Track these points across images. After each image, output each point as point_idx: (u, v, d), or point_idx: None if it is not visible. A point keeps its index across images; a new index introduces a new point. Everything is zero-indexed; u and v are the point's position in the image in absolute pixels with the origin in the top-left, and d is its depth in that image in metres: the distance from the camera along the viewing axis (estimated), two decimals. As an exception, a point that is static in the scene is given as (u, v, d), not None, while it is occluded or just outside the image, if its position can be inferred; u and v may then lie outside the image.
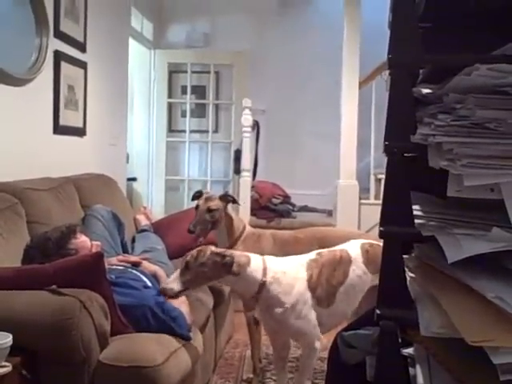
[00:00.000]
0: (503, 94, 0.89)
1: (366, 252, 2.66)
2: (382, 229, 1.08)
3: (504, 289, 0.91)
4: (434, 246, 1.00)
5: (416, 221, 1.05)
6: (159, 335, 2.35)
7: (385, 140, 1.09)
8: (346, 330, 2.13)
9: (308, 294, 2.45)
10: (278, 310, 2.40)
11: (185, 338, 2.45)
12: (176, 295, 2.36)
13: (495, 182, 0.91)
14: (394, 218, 1.08)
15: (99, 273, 2.33)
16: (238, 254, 2.45)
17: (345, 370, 1.89)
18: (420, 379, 1.02)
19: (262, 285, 2.39)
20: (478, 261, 0.95)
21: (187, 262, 2.32)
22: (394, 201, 1.09)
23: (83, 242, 2.67)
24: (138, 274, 2.80)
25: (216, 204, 3.19)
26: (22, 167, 3.22)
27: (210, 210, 3.18)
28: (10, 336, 1.88)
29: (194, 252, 2.36)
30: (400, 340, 1.17)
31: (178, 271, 2.34)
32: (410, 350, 1.14)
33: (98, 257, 2.35)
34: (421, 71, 1.19)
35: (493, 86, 0.88)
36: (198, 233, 3.18)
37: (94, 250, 2.66)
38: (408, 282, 1.12)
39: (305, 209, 6.24)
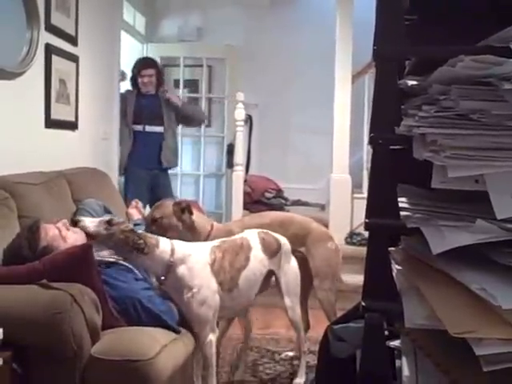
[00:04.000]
0: (487, 85, 0.89)
1: (263, 239, 2.81)
2: (367, 221, 1.08)
3: (488, 280, 0.91)
4: (420, 238, 1.00)
5: (402, 213, 1.05)
6: (151, 328, 2.35)
7: (370, 132, 1.09)
8: (336, 323, 2.15)
9: (212, 279, 2.51)
10: (187, 292, 2.43)
11: (175, 331, 2.45)
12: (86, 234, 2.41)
13: (479, 173, 0.91)
14: (379, 210, 1.08)
15: (89, 264, 2.33)
16: (148, 235, 2.50)
17: (335, 364, 1.89)
18: (406, 371, 1.02)
19: (170, 266, 2.42)
20: (463, 252, 0.95)
21: (111, 219, 2.38)
22: (379, 193, 1.09)
23: (51, 234, 2.60)
24: (129, 265, 2.80)
25: (161, 212, 3.06)
26: (14, 161, 3.20)
27: (154, 220, 3.05)
28: (1, 330, 1.88)
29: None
30: (387, 332, 1.18)
31: (104, 219, 2.40)
32: (396, 343, 1.14)
33: (87, 248, 2.34)
34: (407, 63, 1.19)
35: (476, 77, 0.88)
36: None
37: (63, 234, 2.61)
38: (394, 275, 1.13)
39: (297, 203, 6.25)
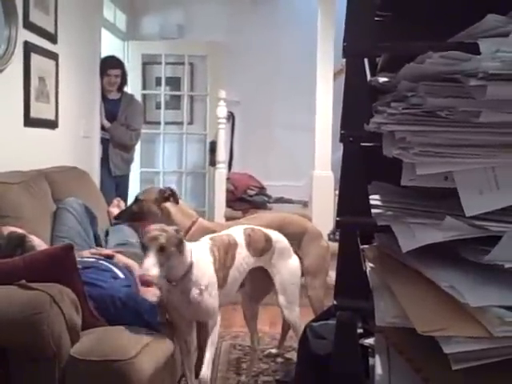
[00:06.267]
0: (454, 82, 0.89)
1: (248, 236, 2.80)
2: (338, 219, 1.08)
3: (458, 278, 0.91)
4: (392, 235, 1.00)
5: (373, 210, 1.05)
6: (131, 328, 2.34)
7: (341, 129, 1.09)
8: (315, 320, 2.15)
9: (215, 276, 2.54)
10: (195, 291, 2.43)
11: (156, 330, 2.44)
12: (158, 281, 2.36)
13: (447, 170, 0.91)
14: (350, 207, 1.08)
15: (69, 265, 2.31)
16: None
17: (314, 361, 1.90)
18: (379, 369, 1.02)
19: (190, 267, 2.42)
20: (434, 249, 0.95)
21: (162, 244, 2.25)
22: (350, 191, 1.09)
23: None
24: (109, 265, 2.79)
25: (146, 195, 3.19)
26: (-8, 161, 3.17)
27: (136, 200, 3.21)
28: (-21, 331, 1.87)
29: (160, 231, 2.30)
30: (362, 330, 1.18)
31: (153, 255, 2.24)
32: (370, 340, 1.14)
33: (68, 249, 2.33)
34: (379, 60, 1.20)
35: (444, 73, 0.88)
36: (124, 221, 3.35)
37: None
38: (367, 272, 1.13)
39: (280, 200, 6.25)
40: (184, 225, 3.09)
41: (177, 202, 3.17)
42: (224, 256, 2.62)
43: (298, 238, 3.27)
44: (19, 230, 2.63)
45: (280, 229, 3.07)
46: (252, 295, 3.05)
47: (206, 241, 2.66)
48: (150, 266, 2.21)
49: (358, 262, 1.12)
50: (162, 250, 2.24)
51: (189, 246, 2.44)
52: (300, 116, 6.18)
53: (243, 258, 2.73)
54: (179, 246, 2.33)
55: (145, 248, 2.26)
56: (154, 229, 2.30)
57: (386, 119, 0.94)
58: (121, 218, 3.32)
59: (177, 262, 2.35)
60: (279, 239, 2.92)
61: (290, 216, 3.53)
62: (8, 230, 2.62)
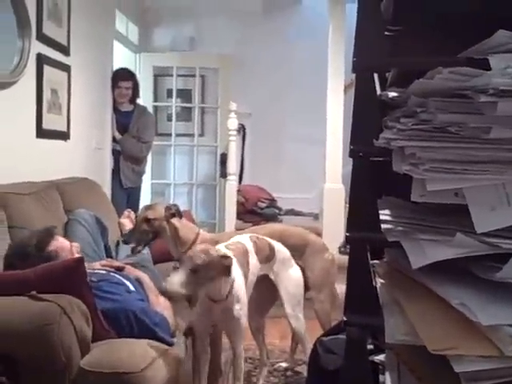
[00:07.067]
0: (464, 98, 0.88)
1: (255, 243, 2.83)
2: (347, 234, 1.08)
3: (469, 295, 0.90)
4: (402, 250, 0.99)
5: (383, 226, 1.04)
6: (142, 340, 2.33)
7: (350, 144, 1.09)
8: (325, 335, 2.14)
9: (244, 288, 2.55)
10: (237, 307, 2.44)
11: (168, 344, 2.43)
12: (178, 299, 2.33)
13: (458, 186, 0.91)
14: (360, 223, 1.08)
15: (80, 277, 2.31)
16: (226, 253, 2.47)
17: (325, 376, 1.89)
18: (388, 386, 1.01)
19: (232, 284, 2.43)
20: (445, 265, 0.95)
21: (197, 265, 2.24)
22: (360, 206, 1.08)
23: (62, 243, 2.67)
24: (121, 278, 2.79)
25: (154, 213, 3.14)
26: (4, 171, 3.19)
27: (147, 220, 3.12)
28: (-11, 343, 1.87)
29: (200, 253, 2.29)
30: (372, 346, 1.17)
31: (183, 273, 2.23)
32: (381, 357, 1.13)
33: (79, 261, 2.34)
34: (389, 74, 1.19)
35: (454, 89, 0.88)
36: (135, 243, 3.15)
37: (73, 250, 2.66)
38: (378, 288, 1.12)
39: (291, 212, 6.25)
40: (189, 238, 3.12)
41: (180, 217, 3.19)
42: (241, 265, 2.62)
43: (299, 250, 3.26)
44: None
45: (280, 241, 3.08)
46: (256, 308, 3.05)
47: (229, 254, 2.64)
48: (175, 282, 2.21)
49: (367, 278, 1.11)
50: (195, 271, 2.23)
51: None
52: (311, 128, 6.19)
53: (254, 265, 2.75)
54: (224, 271, 2.32)
55: (180, 263, 2.26)
56: (200, 249, 2.32)
57: (395, 135, 0.94)
58: (131, 239, 3.20)
59: (223, 284, 2.36)
60: (280, 249, 2.94)
61: (291, 228, 3.54)
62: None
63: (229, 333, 2.61)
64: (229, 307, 2.44)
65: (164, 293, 2.37)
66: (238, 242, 2.79)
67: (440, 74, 0.87)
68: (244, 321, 2.51)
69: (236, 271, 2.49)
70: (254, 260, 2.75)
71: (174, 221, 3.15)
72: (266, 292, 2.94)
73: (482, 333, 0.87)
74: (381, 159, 1.13)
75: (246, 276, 2.63)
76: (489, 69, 0.85)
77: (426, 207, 1.06)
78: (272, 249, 2.88)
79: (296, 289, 2.93)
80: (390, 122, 1.00)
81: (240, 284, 2.50)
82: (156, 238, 3.17)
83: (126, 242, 3.26)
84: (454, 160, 0.89)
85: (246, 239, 2.84)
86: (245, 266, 2.65)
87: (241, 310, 2.46)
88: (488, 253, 0.90)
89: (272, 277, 2.88)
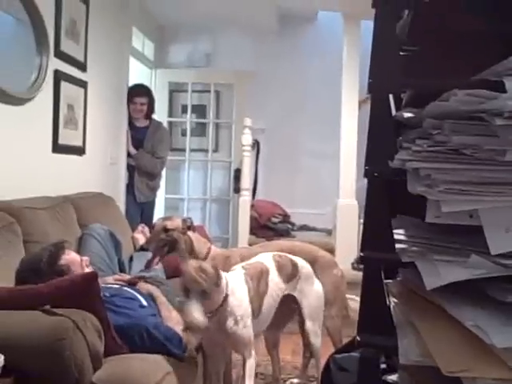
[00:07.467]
0: (479, 120, 0.88)
1: (278, 263, 2.81)
2: (362, 254, 1.08)
3: (483, 317, 0.89)
4: (416, 270, 0.99)
5: (398, 246, 1.04)
6: (154, 356, 2.33)
7: (365, 164, 1.09)
8: (338, 352, 2.13)
9: (250, 308, 2.53)
10: (231, 322, 2.43)
11: (180, 359, 2.43)
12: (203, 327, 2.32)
13: (473, 208, 0.91)
14: (374, 243, 1.08)
15: (93, 292, 2.32)
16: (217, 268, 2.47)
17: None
18: (402, 406, 1.00)
19: (225, 298, 2.42)
20: (460, 286, 0.94)
21: (206, 288, 2.27)
22: (374, 226, 1.08)
23: (73, 258, 2.69)
24: (134, 292, 2.79)
25: (173, 224, 3.18)
26: (21, 186, 3.22)
27: (166, 229, 3.16)
28: (2, 356, 1.87)
29: (198, 272, 2.29)
30: (385, 366, 1.16)
31: (196, 301, 2.26)
32: (394, 377, 1.13)
33: (92, 276, 2.34)
34: (404, 95, 1.20)
35: (469, 112, 0.88)
36: (153, 251, 3.18)
37: (83, 264, 2.68)
38: (391, 308, 1.11)
39: (304, 228, 6.23)
40: (202, 252, 3.16)
41: (194, 231, 3.24)
42: (258, 284, 2.62)
43: None
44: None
45: None
46: (274, 322, 3.04)
47: (239, 270, 2.67)
48: (198, 315, 2.23)
49: (381, 298, 1.11)
50: (203, 293, 2.26)
51: (224, 277, 2.44)
52: (324, 144, 6.20)
53: (276, 285, 2.73)
54: (217, 282, 2.34)
55: (186, 291, 2.27)
56: (194, 268, 2.30)
57: (410, 156, 0.94)
58: (150, 245, 3.26)
59: (214, 295, 2.36)
60: (304, 265, 2.93)
61: (300, 244, 3.53)
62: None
63: (231, 346, 2.61)
64: (220, 320, 2.43)
65: (190, 328, 2.36)
66: (256, 262, 2.79)
67: (455, 95, 0.87)
68: (240, 336, 2.47)
69: (237, 287, 2.50)
70: (275, 279, 2.74)
71: (190, 234, 3.19)
72: (284, 307, 2.92)
73: (496, 355, 0.86)
74: (396, 179, 1.13)
75: (261, 296, 2.62)
76: (504, 91, 0.85)
77: (440, 226, 1.06)
78: (295, 265, 2.87)
79: (318, 304, 2.94)
80: (405, 142, 1.00)
81: (239, 300, 2.48)
82: (171, 251, 3.18)
83: (143, 249, 3.31)
84: (469, 182, 0.89)
85: (267, 258, 2.83)
86: (262, 285, 2.64)
87: (235, 324, 2.44)
88: (502, 274, 0.90)
89: (295, 294, 2.87)
